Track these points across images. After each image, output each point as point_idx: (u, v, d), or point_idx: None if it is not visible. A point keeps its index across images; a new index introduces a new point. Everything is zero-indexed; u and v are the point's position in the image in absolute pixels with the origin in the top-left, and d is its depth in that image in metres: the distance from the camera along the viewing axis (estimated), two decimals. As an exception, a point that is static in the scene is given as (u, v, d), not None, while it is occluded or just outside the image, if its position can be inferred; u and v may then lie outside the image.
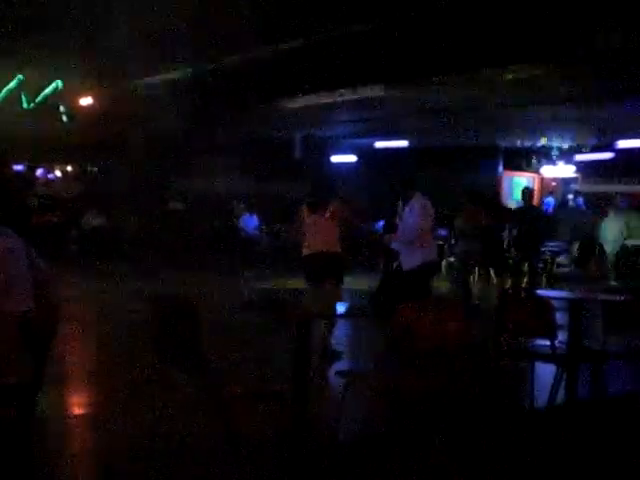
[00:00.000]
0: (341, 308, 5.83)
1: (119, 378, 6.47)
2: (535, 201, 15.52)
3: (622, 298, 6.27)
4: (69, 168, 22.75)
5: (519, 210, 13.13)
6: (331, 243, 7.78)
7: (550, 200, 19.76)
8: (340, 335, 8.35)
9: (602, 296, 6.62)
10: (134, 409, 5.45)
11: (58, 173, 22.79)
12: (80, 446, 4.96)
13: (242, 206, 19.32)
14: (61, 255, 16.43)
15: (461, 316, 5.04)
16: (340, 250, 7.85)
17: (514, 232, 13.03)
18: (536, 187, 21.11)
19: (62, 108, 17.18)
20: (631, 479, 4.35)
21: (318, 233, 7.76)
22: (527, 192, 12.58)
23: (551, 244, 15.20)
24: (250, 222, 19.46)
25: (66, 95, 16.89)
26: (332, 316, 6.45)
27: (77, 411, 5.82)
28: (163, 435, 4.81)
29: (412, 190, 7.98)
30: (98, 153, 19.69)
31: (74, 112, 17.07)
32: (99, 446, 4.91)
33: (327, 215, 7.81)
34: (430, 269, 8.09)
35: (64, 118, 17.30)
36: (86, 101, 16.82)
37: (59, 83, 16.80)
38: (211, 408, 4.21)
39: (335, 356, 7.58)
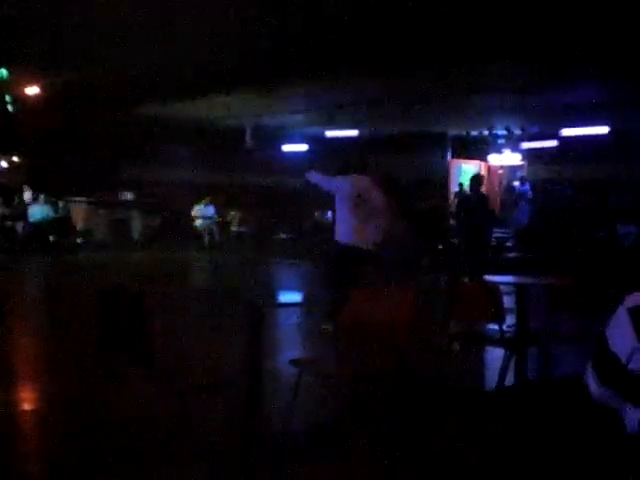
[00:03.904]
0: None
1: (66, 371, 6.37)
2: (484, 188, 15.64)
3: (565, 282, 6.47)
4: (15, 159, 22.35)
5: (464, 198, 13.05)
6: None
7: (526, 187, 19.52)
8: (292, 322, 8.44)
9: (546, 280, 6.81)
10: (82, 403, 5.38)
11: (4, 164, 22.36)
12: (28, 442, 4.93)
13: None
14: (8, 249, 16.25)
15: (411, 302, 5.14)
16: None
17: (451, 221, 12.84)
18: (484, 174, 21.49)
19: (7, 97, 16.88)
20: (577, 459, 4.51)
21: None
22: (476, 180, 12.40)
23: (499, 230, 15.48)
24: (206, 212, 19.65)
25: (12, 84, 16.59)
26: None
27: (25, 407, 5.73)
28: (114, 427, 4.81)
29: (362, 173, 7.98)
30: (45, 143, 19.41)
31: (20, 101, 16.79)
32: (47, 441, 4.87)
33: None
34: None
35: (9, 108, 16.99)
36: (32, 90, 16.56)
37: (4, 72, 16.48)
38: (162, 399, 4.22)
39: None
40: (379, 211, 7.81)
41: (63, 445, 4.63)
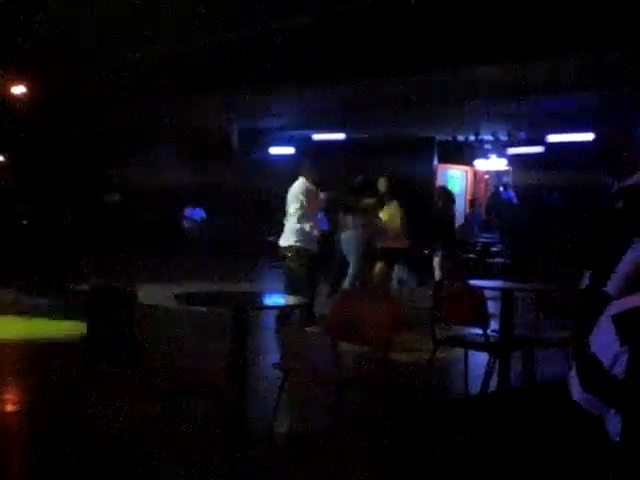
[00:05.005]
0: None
1: (50, 372, 6.33)
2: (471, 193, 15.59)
3: (552, 287, 6.49)
4: (0, 158, 22.19)
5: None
6: None
7: (510, 193, 19.55)
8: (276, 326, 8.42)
9: (533, 286, 6.83)
10: (65, 404, 5.34)
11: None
12: (10, 441, 4.90)
13: None
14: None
15: (395, 306, 5.14)
16: None
17: None
18: (469, 179, 21.61)
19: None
20: (560, 465, 4.52)
21: None
22: None
23: (484, 235, 15.49)
24: (194, 215, 19.71)
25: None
26: None
27: (6, 407, 5.69)
28: (97, 430, 4.77)
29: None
30: (32, 142, 19.30)
31: (7, 100, 16.71)
32: (29, 441, 4.85)
33: None
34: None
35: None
36: (19, 89, 16.48)
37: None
38: (146, 402, 4.19)
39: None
40: (290, 212, 8.32)
41: (47, 448, 4.61)
